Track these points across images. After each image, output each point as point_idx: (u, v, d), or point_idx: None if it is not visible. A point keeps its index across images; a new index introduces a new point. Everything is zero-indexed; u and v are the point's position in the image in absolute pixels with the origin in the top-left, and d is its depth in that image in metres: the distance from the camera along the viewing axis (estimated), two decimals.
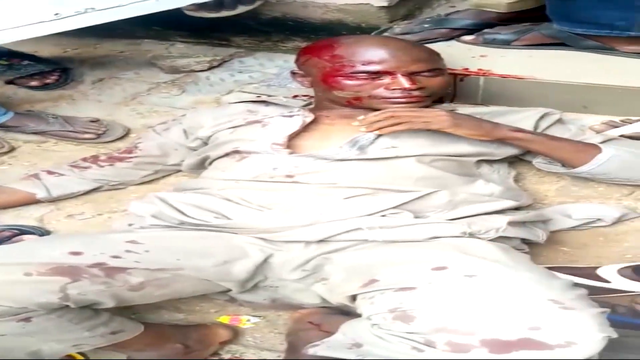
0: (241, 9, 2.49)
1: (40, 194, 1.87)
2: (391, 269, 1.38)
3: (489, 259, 1.37)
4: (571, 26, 2.11)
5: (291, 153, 1.69)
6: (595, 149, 1.73)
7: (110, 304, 1.38)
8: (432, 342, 1.21)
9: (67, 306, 1.33)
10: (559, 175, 1.82)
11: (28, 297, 1.29)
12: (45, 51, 2.71)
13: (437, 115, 1.70)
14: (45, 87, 2.49)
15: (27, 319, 1.30)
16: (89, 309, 1.37)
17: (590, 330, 1.16)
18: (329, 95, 1.84)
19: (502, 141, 1.74)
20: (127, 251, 1.43)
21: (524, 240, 1.58)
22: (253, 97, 2.25)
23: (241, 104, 2.00)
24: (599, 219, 1.70)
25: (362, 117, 1.71)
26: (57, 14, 2.12)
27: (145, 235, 1.52)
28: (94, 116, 2.25)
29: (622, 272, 1.53)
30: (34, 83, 2.49)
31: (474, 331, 1.19)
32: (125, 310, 1.46)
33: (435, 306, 1.25)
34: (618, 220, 1.70)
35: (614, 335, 1.17)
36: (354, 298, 1.40)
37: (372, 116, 1.70)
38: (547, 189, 1.82)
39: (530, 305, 1.21)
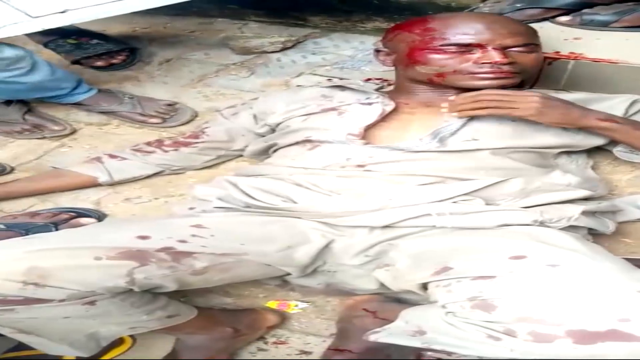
0: None
1: (102, 177, 1.98)
2: (465, 256, 1.42)
3: (568, 248, 1.40)
4: None
5: (366, 144, 1.74)
6: None
7: (172, 287, 1.46)
8: (513, 332, 1.24)
9: (131, 290, 1.41)
10: (633, 165, 1.85)
11: (97, 281, 1.37)
12: (114, 30, 2.84)
13: (527, 102, 1.71)
14: (111, 67, 2.61)
15: (92, 302, 1.39)
16: (149, 293, 1.46)
17: None
18: (411, 73, 1.85)
19: (586, 130, 1.76)
20: (193, 235, 1.51)
21: (590, 231, 1.62)
22: (324, 81, 2.32)
23: (316, 89, 2.03)
24: None
25: (450, 99, 1.76)
26: None
27: (210, 220, 1.60)
28: (160, 98, 2.36)
29: None
30: (99, 63, 2.62)
31: (560, 321, 1.22)
32: (175, 294, 1.54)
33: (518, 295, 1.29)
34: None
35: None
36: (424, 286, 1.45)
37: (459, 98, 1.74)
38: (619, 179, 1.85)
39: (619, 296, 1.23)
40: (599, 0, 2.28)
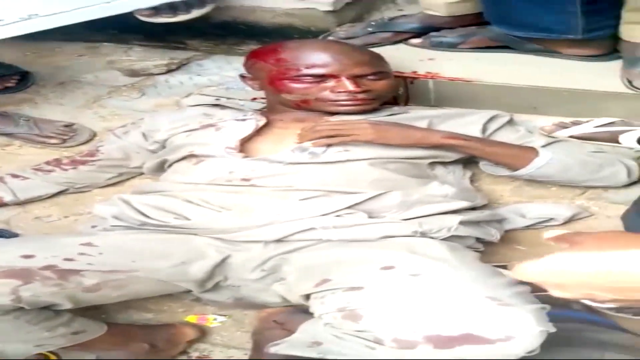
0: (195, 13, 2.34)
1: (7, 197, 1.78)
2: (343, 268, 1.33)
3: (435, 258, 1.33)
4: (510, 29, 2.05)
5: (245, 157, 1.62)
6: (532, 152, 1.68)
7: (67, 305, 1.32)
8: (380, 340, 1.17)
9: (23, 308, 1.27)
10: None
11: None
12: (5, 55, 2.53)
13: (362, 128, 1.64)
14: (5, 90, 2.34)
15: None
16: (49, 310, 1.32)
17: (528, 324, 1.14)
18: (279, 98, 1.78)
19: (437, 147, 1.68)
20: (81, 254, 1.37)
21: (480, 240, 1.53)
22: (212, 100, 2.16)
23: (198, 108, 1.93)
24: (551, 218, 1.64)
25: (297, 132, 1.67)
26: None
27: (101, 238, 1.45)
28: (58, 119, 2.14)
29: None
30: None
31: (417, 327, 1.16)
32: (94, 311, 1.40)
33: (380, 304, 1.21)
34: (570, 220, 1.64)
35: (552, 329, 1.15)
36: (308, 297, 1.34)
37: (303, 130, 1.66)
38: (503, 189, 1.76)
39: (469, 302, 1.18)
40: (444, 25, 2.21)
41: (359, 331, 1.20)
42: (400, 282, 1.26)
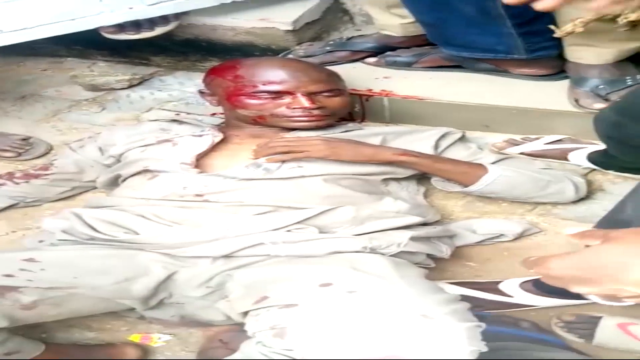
0: (159, 31, 2.35)
1: None
2: (282, 285, 1.31)
3: (376, 274, 1.31)
4: (457, 50, 2.04)
5: (200, 172, 1.61)
6: (481, 170, 1.67)
7: (3, 323, 1.26)
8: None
9: None
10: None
11: None
12: None
13: (314, 144, 1.63)
14: None
15: None
16: None
17: (459, 344, 1.12)
18: (235, 114, 1.77)
19: (389, 163, 1.67)
20: (22, 270, 1.32)
21: (430, 256, 1.51)
22: (171, 115, 2.15)
23: (156, 123, 1.90)
24: (501, 234, 1.63)
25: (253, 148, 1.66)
26: None
27: (45, 254, 1.40)
28: (14, 133, 2.10)
29: (523, 286, 1.45)
30: None
31: (344, 349, 1.13)
32: (34, 329, 1.34)
33: (310, 323, 1.19)
34: (520, 236, 1.63)
35: (484, 349, 1.12)
36: (247, 315, 1.31)
37: (258, 146, 1.64)
38: (454, 205, 1.75)
39: (402, 321, 1.15)
40: (399, 45, 2.21)
41: (286, 350, 1.16)
42: (335, 299, 1.23)
